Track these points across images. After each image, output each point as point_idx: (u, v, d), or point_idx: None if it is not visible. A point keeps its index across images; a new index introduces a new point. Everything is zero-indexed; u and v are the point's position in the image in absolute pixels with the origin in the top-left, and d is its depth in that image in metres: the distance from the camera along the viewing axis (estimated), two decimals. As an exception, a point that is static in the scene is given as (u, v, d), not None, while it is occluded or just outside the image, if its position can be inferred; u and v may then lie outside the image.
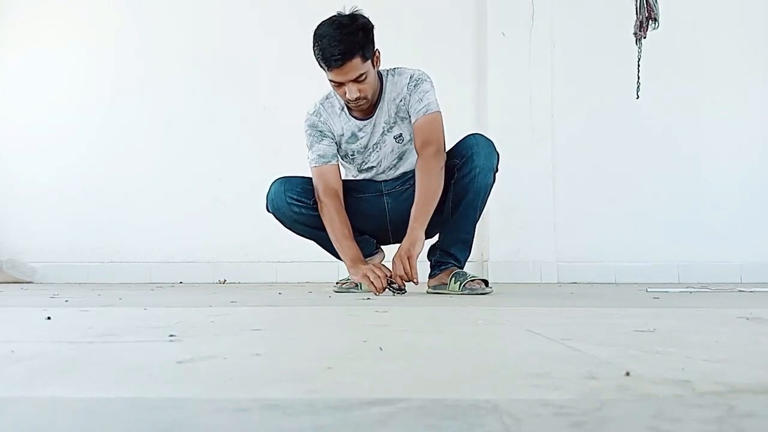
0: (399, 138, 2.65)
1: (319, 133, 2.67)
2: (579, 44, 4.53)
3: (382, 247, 2.95)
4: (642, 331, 1.26)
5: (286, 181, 2.75)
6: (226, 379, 0.77)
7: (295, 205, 2.70)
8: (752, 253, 4.42)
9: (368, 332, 1.28)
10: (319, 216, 2.62)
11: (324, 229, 2.62)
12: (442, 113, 2.57)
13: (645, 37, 3.42)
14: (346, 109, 2.66)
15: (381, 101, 2.61)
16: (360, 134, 2.66)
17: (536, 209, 4.40)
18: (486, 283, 2.61)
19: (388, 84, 2.60)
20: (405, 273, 2.35)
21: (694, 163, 4.53)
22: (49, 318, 1.52)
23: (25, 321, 1.63)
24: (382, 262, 2.79)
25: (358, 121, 2.64)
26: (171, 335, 1.17)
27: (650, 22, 3.41)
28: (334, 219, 2.56)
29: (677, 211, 4.49)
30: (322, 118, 2.69)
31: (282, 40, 4.64)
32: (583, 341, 1.10)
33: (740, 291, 3.10)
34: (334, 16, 2.47)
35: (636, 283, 3.99)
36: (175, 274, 4.49)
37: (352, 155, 2.72)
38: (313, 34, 2.46)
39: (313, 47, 2.44)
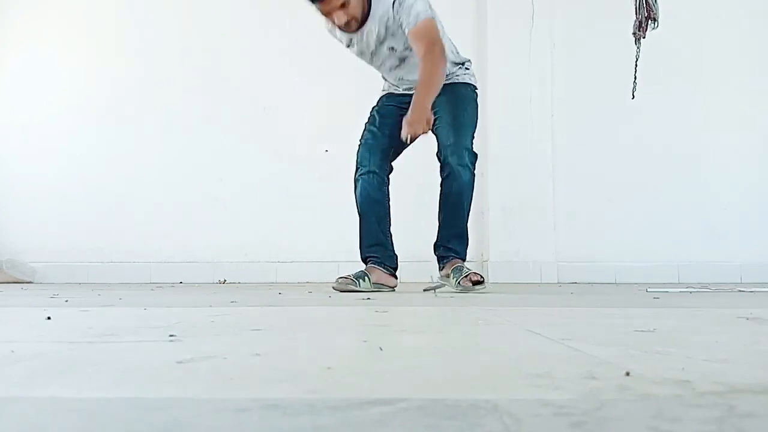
0: (392, 49, 2.90)
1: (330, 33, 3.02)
2: (579, 44, 4.53)
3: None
4: (642, 331, 1.26)
5: None
6: (226, 379, 0.77)
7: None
8: (752, 253, 4.42)
9: (368, 332, 1.28)
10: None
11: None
12: (434, 16, 2.79)
13: (644, 37, 3.42)
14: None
15: (370, 18, 2.82)
16: (353, 43, 2.94)
17: (536, 209, 4.40)
18: (480, 281, 2.75)
19: (374, 3, 2.82)
20: (426, 123, 2.63)
21: (694, 163, 4.53)
22: (49, 318, 1.52)
23: (25, 321, 1.63)
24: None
25: (349, 34, 2.89)
26: (171, 335, 1.17)
27: (649, 22, 3.41)
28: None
29: (677, 211, 4.49)
30: (328, 27, 2.97)
31: (282, 40, 4.64)
32: (583, 341, 1.10)
33: (740, 291, 3.10)
34: None
35: (636, 283, 3.99)
36: (175, 274, 4.49)
37: (359, 57, 3.01)
38: None
39: None
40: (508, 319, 1.58)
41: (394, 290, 2.92)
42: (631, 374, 0.77)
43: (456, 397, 0.67)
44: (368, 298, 2.36)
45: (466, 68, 3.10)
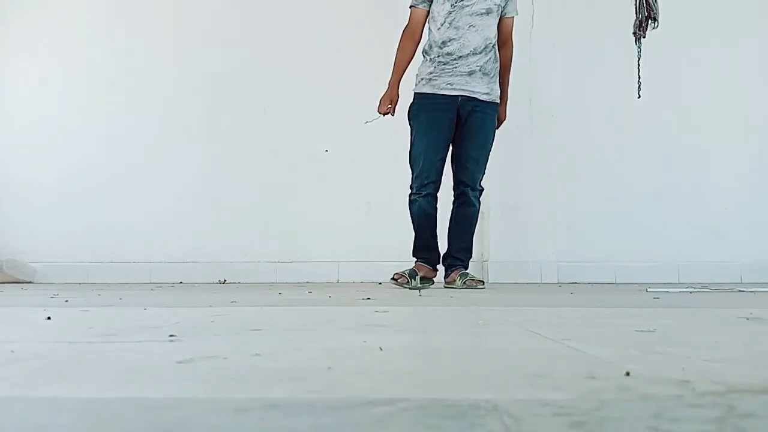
0: None
1: None
2: (579, 44, 4.53)
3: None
4: (642, 331, 1.26)
5: None
6: (226, 379, 0.77)
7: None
8: (752, 253, 4.42)
9: (368, 332, 1.28)
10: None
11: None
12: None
13: (644, 37, 3.42)
14: None
15: None
16: None
17: (536, 209, 4.39)
18: (481, 281, 3.26)
19: None
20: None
21: (694, 163, 4.53)
22: (49, 318, 1.52)
23: (25, 321, 1.63)
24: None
25: None
26: (171, 335, 1.17)
27: (650, 21, 3.41)
28: (406, 53, 3.25)
29: (677, 211, 4.49)
30: None
31: (282, 40, 4.64)
32: (583, 341, 1.10)
33: (740, 291, 3.10)
34: None
35: (636, 283, 3.99)
36: (175, 274, 4.48)
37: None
38: None
39: None
40: (508, 319, 1.58)
41: (433, 282, 3.32)
42: (631, 374, 0.77)
43: (456, 397, 0.67)
44: (368, 298, 2.37)
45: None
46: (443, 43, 3.15)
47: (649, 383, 0.72)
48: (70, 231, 4.60)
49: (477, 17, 3.16)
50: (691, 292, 2.98)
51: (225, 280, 4.42)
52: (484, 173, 3.27)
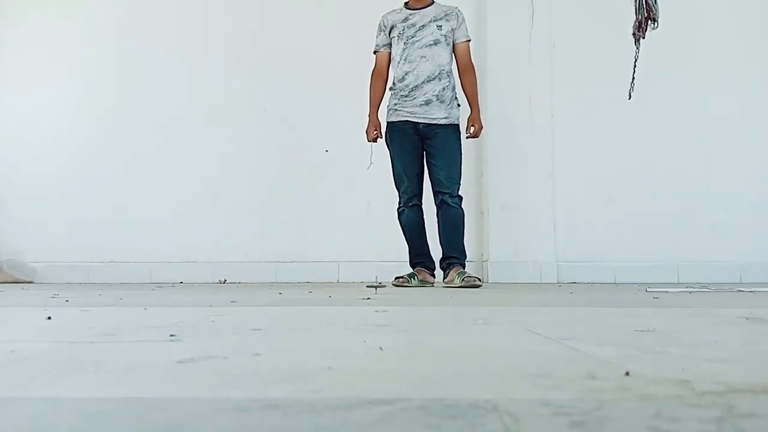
0: (439, 27, 3.56)
1: (380, 29, 3.66)
2: (579, 44, 4.53)
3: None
4: (642, 331, 1.26)
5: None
6: (226, 379, 0.77)
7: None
8: (752, 253, 4.42)
9: (368, 332, 1.28)
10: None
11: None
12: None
13: (644, 38, 3.42)
14: (403, 8, 3.66)
15: (434, 5, 3.63)
16: (410, 18, 3.59)
17: (536, 209, 4.39)
18: (479, 278, 3.49)
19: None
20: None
21: (694, 163, 4.53)
22: (49, 318, 1.52)
23: (26, 321, 1.63)
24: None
25: (411, 10, 3.61)
26: (171, 335, 1.17)
27: (649, 22, 3.41)
28: (374, 89, 3.67)
29: (677, 211, 4.49)
30: (384, 16, 3.66)
31: (282, 41, 4.64)
32: (583, 341, 1.10)
33: (740, 291, 3.10)
34: None
35: (636, 283, 3.99)
36: (175, 274, 4.49)
37: (403, 32, 3.57)
38: None
39: None
40: (508, 319, 1.58)
41: (433, 285, 3.58)
42: (630, 374, 0.77)
43: (456, 397, 0.67)
44: (368, 298, 2.37)
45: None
46: (402, 77, 3.56)
47: (649, 383, 0.72)
48: (70, 231, 4.60)
49: (427, 48, 3.53)
50: (691, 292, 2.98)
51: (225, 280, 4.42)
52: (459, 183, 3.55)
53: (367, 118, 3.65)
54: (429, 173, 3.59)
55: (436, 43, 3.54)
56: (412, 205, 3.57)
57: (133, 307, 2.02)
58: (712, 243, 4.44)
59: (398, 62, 3.58)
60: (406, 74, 3.54)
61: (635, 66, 3.41)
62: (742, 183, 4.53)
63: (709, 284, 3.82)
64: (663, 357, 0.94)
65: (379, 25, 3.66)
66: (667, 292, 2.97)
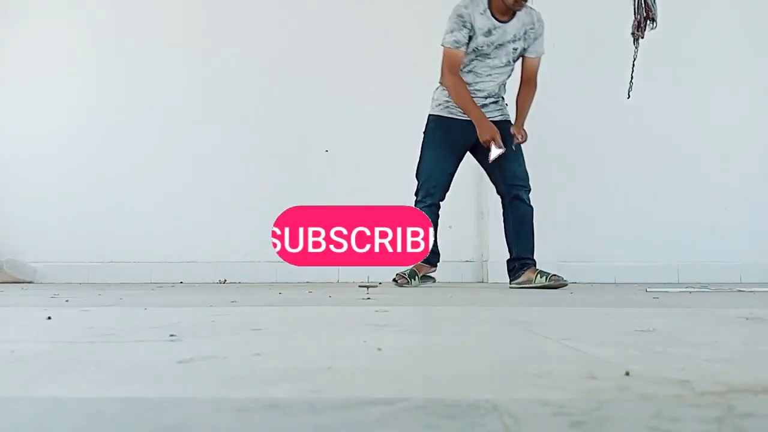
0: (515, 50, 3.37)
1: (462, 23, 3.29)
2: (579, 44, 4.53)
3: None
4: (642, 331, 1.26)
5: None
6: (226, 379, 0.77)
7: None
8: (752, 253, 4.41)
9: (368, 332, 1.28)
10: None
11: None
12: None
13: (643, 37, 3.42)
14: (488, 10, 3.29)
15: (517, 17, 3.31)
16: (494, 32, 3.30)
17: (536, 209, 4.38)
18: (564, 279, 3.35)
19: (524, 9, 3.30)
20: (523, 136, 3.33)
21: (694, 163, 4.53)
22: (49, 318, 1.52)
23: (26, 321, 1.63)
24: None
25: (496, 21, 3.30)
26: (171, 335, 1.17)
27: (648, 22, 3.41)
28: (463, 89, 3.34)
29: (677, 211, 4.48)
30: (469, 10, 3.28)
31: (282, 39, 4.64)
32: (583, 341, 1.10)
33: (740, 291, 3.10)
34: None
35: (636, 283, 3.99)
36: (175, 274, 4.48)
37: (480, 47, 3.32)
38: None
39: None
40: (508, 319, 1.58)
41: (434, 280, 3.57)
42: (630, 374, 0.77)
43: (456, 397, 0.67)
44: (368, 298, 2.37)
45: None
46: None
47: (648, 383, 0.72)
48: (70, 231, 4.60)
49: (496, 69, 3.37)
50: (690, 292, 2.98)
51: (225, 280, 4.42)
52: (527, 173, 3.38)
53: (477, 122, 3.29)
54: (497, 169, 3.34)
55: (506, 64, 3.39)
56: (430, 204, 3.37)
57: (133, 307, 2.02)
58: (712, 243, 4.44)
59: (462, 68, 3.37)
60: (467, 84, 3.37)
61: (634, 65, 3.41)
62: (742, 183, 4.52)
63: (709, 284, 3.82)
64: (663, 357, 0.94)
65: (461, 16, 3.28)
66: (667, 292, 2.97)
